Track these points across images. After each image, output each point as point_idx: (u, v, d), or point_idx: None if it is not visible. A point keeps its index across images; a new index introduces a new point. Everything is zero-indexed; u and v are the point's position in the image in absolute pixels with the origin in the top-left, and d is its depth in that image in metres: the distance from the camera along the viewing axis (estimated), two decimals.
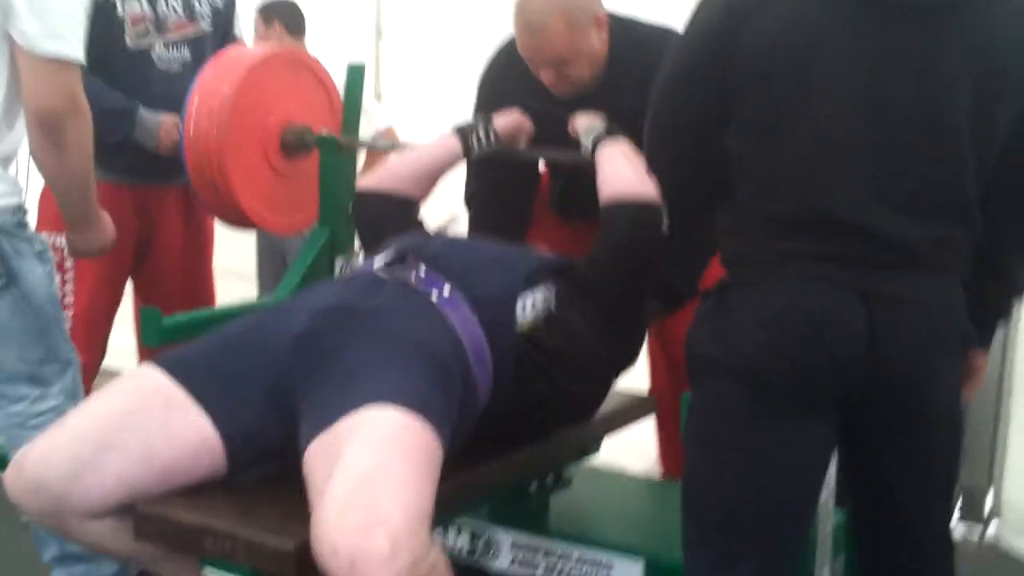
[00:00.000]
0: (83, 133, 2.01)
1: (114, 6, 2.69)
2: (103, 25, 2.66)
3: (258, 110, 2.58)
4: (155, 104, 2.76)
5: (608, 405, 2.13)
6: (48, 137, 1.97)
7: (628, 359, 2.05)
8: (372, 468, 1.42)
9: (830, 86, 1.55)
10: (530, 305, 1.84)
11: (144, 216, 2.86)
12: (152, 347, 2.30)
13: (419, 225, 2.18)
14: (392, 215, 2.15)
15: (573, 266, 1.96)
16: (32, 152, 2.06)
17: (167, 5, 2.78)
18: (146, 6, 2.74)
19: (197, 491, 1.64)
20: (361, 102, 2.69)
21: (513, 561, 2.15)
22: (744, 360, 1.56)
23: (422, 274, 1.81)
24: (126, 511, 1.60)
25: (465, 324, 1.76)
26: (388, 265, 1.84)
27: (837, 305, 1.55)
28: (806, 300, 1.56)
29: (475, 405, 1.76)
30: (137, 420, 1.60)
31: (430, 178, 2.24)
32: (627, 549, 2.11)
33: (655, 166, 1.84)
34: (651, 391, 2.66)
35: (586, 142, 2.13)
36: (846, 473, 1.75)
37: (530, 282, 1.87)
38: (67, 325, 2.60)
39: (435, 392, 1.59)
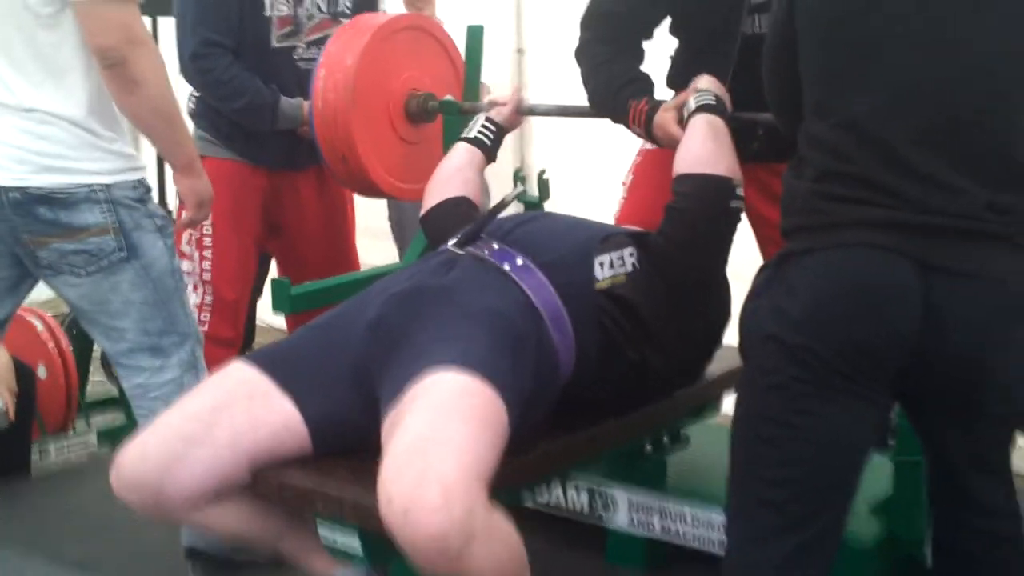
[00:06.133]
0: (150, 65, 2.01)
1: (262, 6, 2.74)
2: (250, 21, 2.73)
3: (382, 79, 2.64)
4: None
5: (726, 362, 2.11)
6: (117, 77, 1.99)
7: (711, 334, 2.00)
8: (430, 429, 1.48)
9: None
10: (608, 263, 1.85)
11: (276, 197, 2.94)
12: (286, 313, 2.42)
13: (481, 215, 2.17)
14: (454, 215, 2.16)
15: (647, 236, 1.94)
16: (114, 100, 2.08)
17: (311, 3, 2.81)
18: (293, 7, 2.78)
19: (311, 457, 1.73)
20: (481, 64, 2.71)
21: (631, 519, 2.18)
22: (797, 333, 1.51)
23: (495, 247, 1.85)
24: (225, 498, 1.71)
25: (539, 290, 1.79)
26: (461, 243, 1.89)
27: (892, 273, 1.48)
28: (860, 268, 1.49)
29: (555, 371, 1.78)
30: (224, 413, 1.69)
31: (468, 179, 2.27)
32: None
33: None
34: None
35: (691, 103, 2.10)
36: (920, 438, 1.70)
37: (607, 244, 1.88)
38: (201, 299, 2.75)
39: (501, 355, 1.63)
